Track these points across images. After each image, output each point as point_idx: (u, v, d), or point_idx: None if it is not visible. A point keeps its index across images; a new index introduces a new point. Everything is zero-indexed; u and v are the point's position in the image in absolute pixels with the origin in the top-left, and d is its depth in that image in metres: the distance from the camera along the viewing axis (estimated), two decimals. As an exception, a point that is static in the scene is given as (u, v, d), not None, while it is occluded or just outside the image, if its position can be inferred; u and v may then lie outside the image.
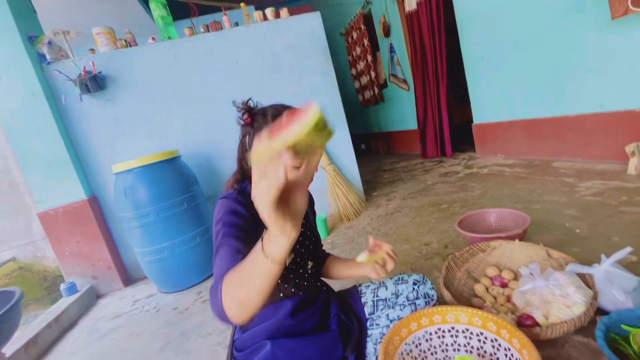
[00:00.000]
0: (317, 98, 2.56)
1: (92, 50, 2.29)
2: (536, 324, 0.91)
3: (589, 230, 1.42)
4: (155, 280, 2.09)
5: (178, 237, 1.98)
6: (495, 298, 1.09)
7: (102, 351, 1.57)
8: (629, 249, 0.92)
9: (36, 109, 2.12)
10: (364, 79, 5.30)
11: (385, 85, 4.85)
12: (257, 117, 0.84)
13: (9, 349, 1.51)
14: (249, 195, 0.85)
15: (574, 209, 1.65)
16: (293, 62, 2.51)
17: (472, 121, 3.32)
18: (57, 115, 2.19)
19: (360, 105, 5.91)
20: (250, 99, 0.87)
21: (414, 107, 4.20)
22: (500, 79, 2.82)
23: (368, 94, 5.35)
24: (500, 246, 1.25)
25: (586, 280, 0.96)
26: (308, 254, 0.96)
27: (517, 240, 1.22)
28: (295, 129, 0.40)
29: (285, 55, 2.49)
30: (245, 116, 0.85)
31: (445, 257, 1.51)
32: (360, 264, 0.96)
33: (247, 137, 0.86)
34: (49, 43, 2.15)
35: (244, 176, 0.91)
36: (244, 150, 0.88)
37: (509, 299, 1.06)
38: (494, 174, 2.58)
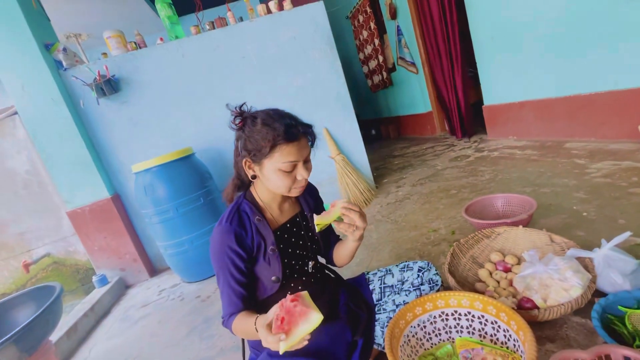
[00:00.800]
0: (323, 88, 2.58)
1: (105, 54, 2.37)
2: (535, 306, 0.95)
3: (596, 212, 1.43)
4: (178, 271, 2.23)
5: (197, 231, 2.09)
6: (498, 282, 1.13)
7: (135, 337, 1.72)
8: (627, 234, 0.94)
9: (57, 114, 2.24)
10: (372, 63, 5.22)
11: (393, 69, 4.78)
12: (247, 122, 0.85)
13: (54, 335, 1.68)
14: (245, 213, 0.90)
15: (583, 191, 1.65)
16: (298, 53, 2.52)
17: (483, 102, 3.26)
18: (77, 119, 2.30)
19: (370, 90, 5.85)
20: (244, 103, 0.88)
21: (424, 90, 4.15)
22: (510, 59, 2.74)
23: (377, 79, 5.28)
24: (505, 232, 1.29)
25: (586, 264, 0.99)
26: (310, 254, 1.01)
27: (520, 227, 1.25)
28: (303, 331, 0.68)
29: (290, 47, 2.51)
30: (238, 120, 0.86)
31: (452, 243, 1.55)
32: (346, 239, 0.96)
33: (239, 141, 0.87)
34: (64, 50, 2.24)
35: (241, 182, 0.95)
36: (237, 154, 0.90)
37: (511, 283, 1.10)
38: (505, 157, 2.57)
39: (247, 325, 0.81)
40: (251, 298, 0.93)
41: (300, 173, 0.84)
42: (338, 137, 2.68)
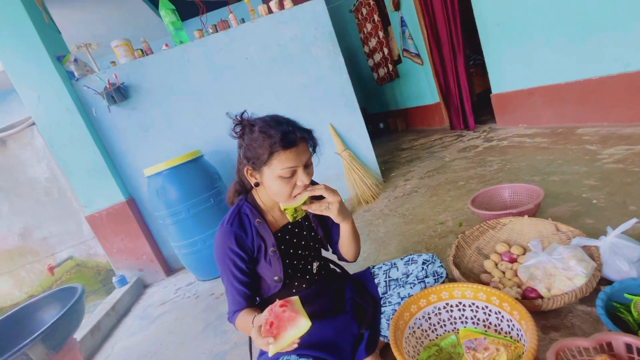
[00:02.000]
0: (327, 85, 2.58)
1: (114, 62, 2.44)
2: (539, 296, 0.96)
3: (606, 200, 1.40)
4: (193, 270, 2.30)
5: (208, 231, 2.15)
6: (503, 273, 1.14)
7: (154, 334, 1.80)
8: (634, 220, 0.93)
9: (72, 123, 2.33)
10: (377, 56, 5.18)
11: (399, 61, 4.73)
12: (246, 130, 0.86)
13: (79, 334, 1.78)
14: (245, 216, 0.93)
15: (594, 178, 1.61)
16: (300, 51, 2.53)
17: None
18: (90, 127, 2.39)
19: (376, 84, 5.80)
20: (245, 111, 0.89)
21: (430, 82, 4.09)
22: (518, 45, 2.68)
23: (382, 72, 5.24)
24: (510, 222, 1.28)
25: (592, 253, 0.98)
26: (314, 254, 1.03)
27: (525, 216, 1.25)
28: (291, 336, 0.70)
29: (292, 45, 2.52)
30: (238, 129, 0.87)
31: (459, 235, 1.55)
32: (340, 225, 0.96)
33: (240, 149, 0.88)
34: (75, 60, 2.32)
35: (243, 187, 0.98)
36: (239, 162, 0.92)
37: (516, 273, 1.10)
38: (514, 146, 2.52)
39: (247, 323, 0.86)
40: (255, 295, 0.96)
41: (301, 179, 0.83)
42: (344, 133, 2.69)
